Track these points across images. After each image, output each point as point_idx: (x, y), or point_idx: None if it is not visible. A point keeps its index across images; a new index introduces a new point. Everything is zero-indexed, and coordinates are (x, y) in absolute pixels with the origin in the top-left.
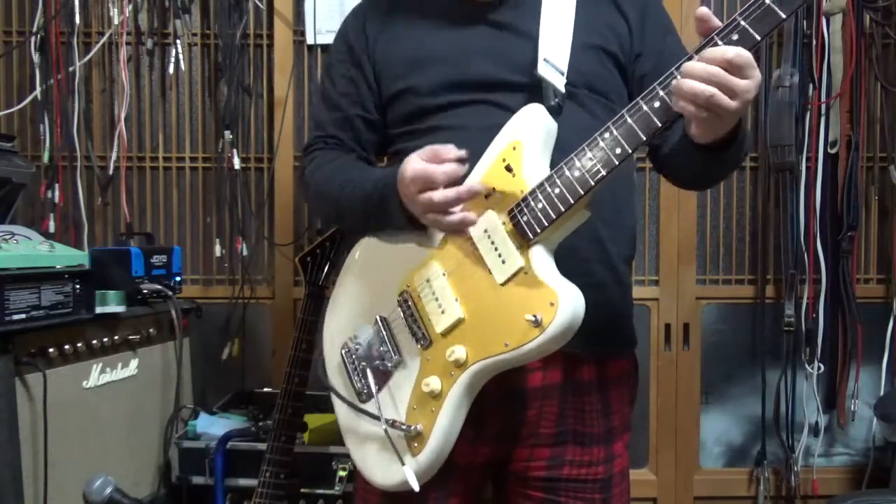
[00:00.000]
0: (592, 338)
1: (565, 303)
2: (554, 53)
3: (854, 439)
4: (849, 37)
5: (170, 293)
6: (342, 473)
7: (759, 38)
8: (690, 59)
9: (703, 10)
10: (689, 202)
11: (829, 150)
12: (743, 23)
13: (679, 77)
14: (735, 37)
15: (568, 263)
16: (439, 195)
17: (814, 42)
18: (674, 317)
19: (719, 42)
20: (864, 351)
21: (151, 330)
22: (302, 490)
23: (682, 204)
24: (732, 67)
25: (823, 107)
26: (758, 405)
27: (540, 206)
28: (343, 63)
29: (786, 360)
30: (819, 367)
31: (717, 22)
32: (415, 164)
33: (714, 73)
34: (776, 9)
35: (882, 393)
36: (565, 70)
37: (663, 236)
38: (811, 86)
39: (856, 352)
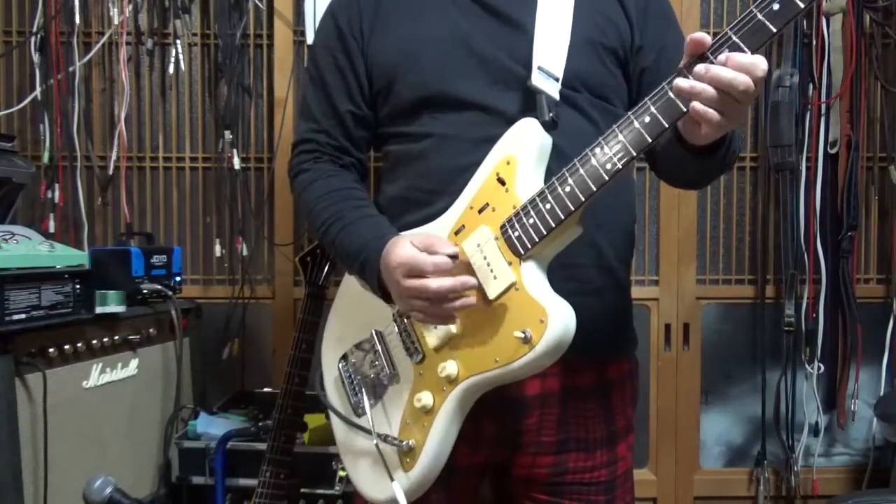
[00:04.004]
0: (591, 345)
1: (555, 320)
2: (550, 55)
3: (854, 439)
4: (849, 37)
5: (170, 293)
6: (342, 473)
7: (750, 53)
8: (682, 74)
9: (698, 35)
10: (689, 202)
11: (829, 150)
12: (734, 38)
13: (692, 77)
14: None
15: (564, 271)
16: (436, 284)
17: (814, 42)
18: (674, 317)
19: (712, 59)
20: (864, 351)
21: (151, 330)
22: (302, 490)
23: (682, 204)
24: (755, 78)
25: (823, 107)
26: (758, 405)
27: (531, 221)
28: (332, 49)
29: (786, 360)
30: (819, 367)
31: (710, 42)
32: (403, 250)
33: (741, 81)
34: (767, 23)
35: (882, 393)
36: (560, 75)
37: (663, 236)
38: (811, 86)
39: (856, 352)
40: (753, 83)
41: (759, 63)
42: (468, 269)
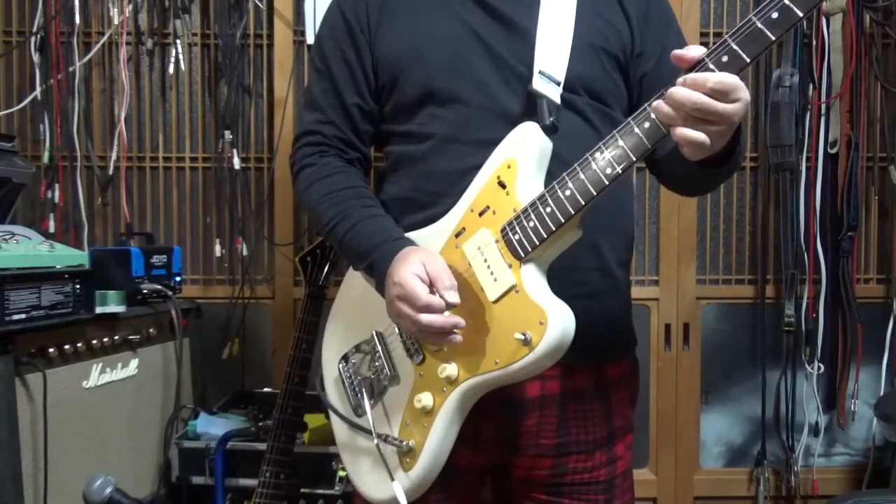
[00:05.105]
0: (591, 347)
1: (554, 322)
2: (551, 59)
3: (854, 439)
4: (849, 37)
5: (170, 293)
6: (342, 473)
7: (748, 60)
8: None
9: (676, 52)
10: (689, 202)
11: (829, 150)
12: (733, 45)
13: (663, 101)
14: (725, 59)
15: (565, 275)
16: (426, 319)
17: (814, 42)
18: (674, 317)
19: (710, 65)
20: (864, 351)
21: (151, 330)
22: (302, 490)
23: (682, 204)
24: (717, 94)
25: (823, 107)
26: (758, 405)
27: (532, 224)
28: (339, 42)
29: (786, 360)
30: (819, 367)
31: (693, 54)
32: (407, 271)
33: (698, 101)
34: (766, 31)
35: (882, 393)
36: (562, 79)
37: (663, 236)
38: (811, 86)
39: (856, 352)
40: (711, 102)
41: (710, 78)
42: (469, 272)
